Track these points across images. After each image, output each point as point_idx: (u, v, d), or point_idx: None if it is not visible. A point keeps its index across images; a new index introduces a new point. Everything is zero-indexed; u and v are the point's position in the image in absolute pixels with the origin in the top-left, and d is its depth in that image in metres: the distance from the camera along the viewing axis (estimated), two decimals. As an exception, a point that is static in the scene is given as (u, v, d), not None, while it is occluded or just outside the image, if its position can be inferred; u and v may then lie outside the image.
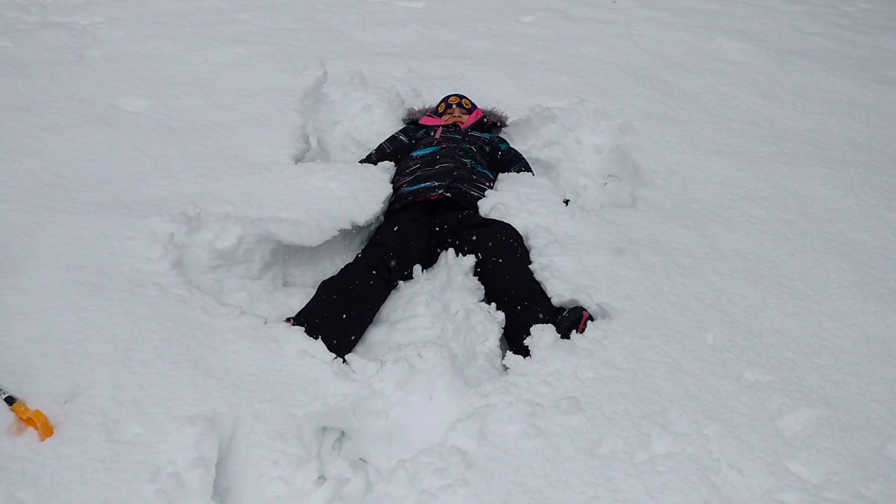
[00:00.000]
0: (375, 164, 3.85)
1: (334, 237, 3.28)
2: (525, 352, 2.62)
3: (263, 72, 4.77)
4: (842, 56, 5.90)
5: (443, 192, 3.47)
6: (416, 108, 4.48)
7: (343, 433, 2.45)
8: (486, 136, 4.11)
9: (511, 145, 4.23)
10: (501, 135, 4.46)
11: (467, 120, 4.23)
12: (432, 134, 4.02)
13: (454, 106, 4.35)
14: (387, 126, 4.30)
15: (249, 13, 6.12)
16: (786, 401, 2.43)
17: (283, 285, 3.18)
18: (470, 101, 4.42)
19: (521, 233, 3.27)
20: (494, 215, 3.37)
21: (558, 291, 2.90)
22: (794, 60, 5.68)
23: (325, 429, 2.41)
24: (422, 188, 3.52)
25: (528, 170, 4.02)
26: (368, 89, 4.48)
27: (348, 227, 3.28)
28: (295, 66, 4.83)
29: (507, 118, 4.52)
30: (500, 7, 6.76)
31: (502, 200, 3.44)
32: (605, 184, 4.13)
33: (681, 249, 3.20)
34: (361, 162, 3.95)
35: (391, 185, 3.61)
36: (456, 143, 3.86)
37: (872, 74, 5.52)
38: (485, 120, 4.33)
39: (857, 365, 2.64)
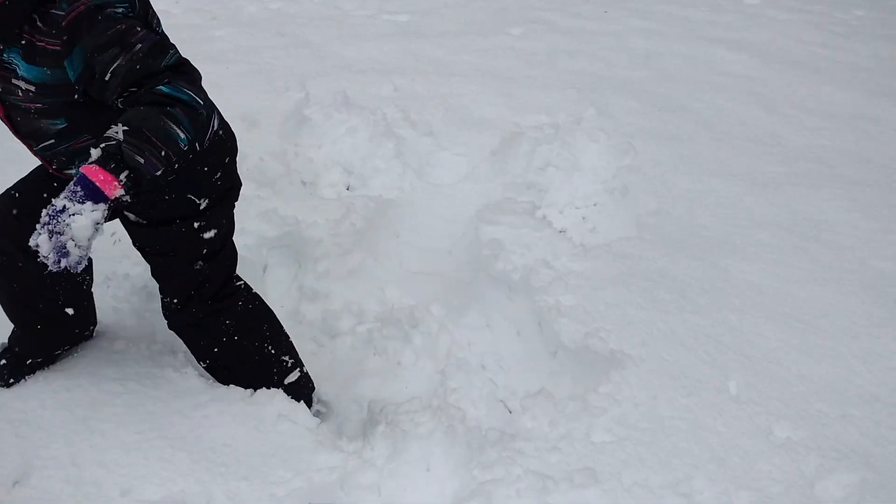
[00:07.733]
0: None
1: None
2: None
3: (243, 94, 4.50)
4: (844, 66, 5.68)
5: None
6: None
7: (330, 510, 2.19)
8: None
9: None
10: None
11: None
12: None
13: None
14: (373, 150, 4.02)
15: (225, 30, 5.84)
16: (823, 462, 2.19)
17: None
18: None
19: (519, 271, 3.03)
20: (487, 253, 3.10)
21: (570, 334, 2.65)
22: (796, 72, 5.47)
23: (309, 505, 2.16)
24: None
25: None
26: (352, 110, 4.20)
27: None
28: (275, 87, 4.57)
29: None
30: (487, 19, 6.51)
31: (494, 237, 3.18)
32: (595, 203, 3.87)
33: (693, 285, 2.97)
34: None
35: None
36: None
37: (876, 86, 5.31)
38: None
39: (896, 416, 2.41)
